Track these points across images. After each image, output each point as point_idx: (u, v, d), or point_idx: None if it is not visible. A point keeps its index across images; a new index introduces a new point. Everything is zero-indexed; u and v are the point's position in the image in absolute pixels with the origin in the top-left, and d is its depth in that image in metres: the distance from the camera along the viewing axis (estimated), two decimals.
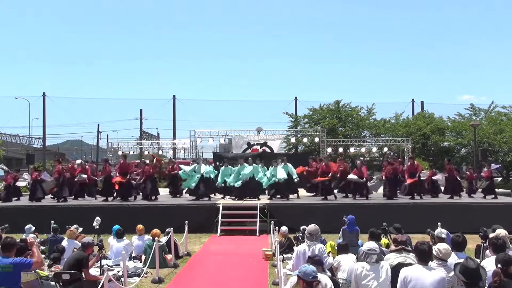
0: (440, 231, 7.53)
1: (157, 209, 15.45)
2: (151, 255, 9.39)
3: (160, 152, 35.13)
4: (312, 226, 7.52)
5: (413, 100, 41.17)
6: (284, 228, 11.02)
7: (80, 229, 10.86)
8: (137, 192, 17.39)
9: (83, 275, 7.14)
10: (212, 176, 17.33)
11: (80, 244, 9.53)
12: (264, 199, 16.40)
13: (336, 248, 8.36)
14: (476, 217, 14.04)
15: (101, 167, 20.04)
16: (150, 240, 9.92)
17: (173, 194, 18.40)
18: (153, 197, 16.87)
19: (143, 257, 10.15)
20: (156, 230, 10.31)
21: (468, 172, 18.79)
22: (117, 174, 17.01)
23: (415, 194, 16.52)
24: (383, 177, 17.32)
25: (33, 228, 11.33)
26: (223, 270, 10.10)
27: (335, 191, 17.10)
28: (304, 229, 8.95)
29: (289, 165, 16.88)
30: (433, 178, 17.94)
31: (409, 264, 5.58)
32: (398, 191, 16.76)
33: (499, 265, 4.62)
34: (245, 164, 16.82)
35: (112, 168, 17.85)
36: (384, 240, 8.65)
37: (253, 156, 19.00)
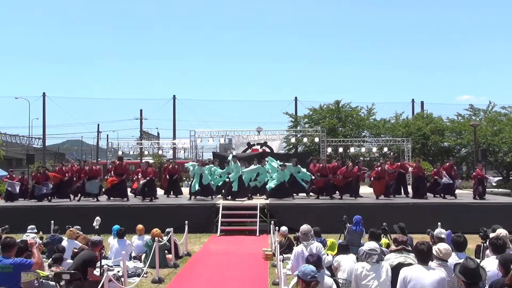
0: (440, 231, 7.54)
1: (157, 209, 15.44)
2: (151, 254, 9.39)
3: (160, 152, 35.13)
4: (304, 226, 7.54)
5: (413, 100, 41.22)
6: (284, 228, 11.02)
7: (80, 233, 10.83)
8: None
9: (88, 273, 7.15)
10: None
11: (80, 244, 9.58)
12: (264, 199, 16.43)
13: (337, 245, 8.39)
14: (476, 217, 14.03)
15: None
16: (150, 240, 9.91)
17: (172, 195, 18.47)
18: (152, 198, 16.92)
19: (143, 257, 10.15)
20: (156, 230, 10.30)
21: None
22: (112, 175, 17.27)
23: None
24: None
25: (35, 229, 11.32)
26: (223, 270, 10.09)
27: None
28: None
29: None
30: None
31: (409, 264, 5.59)
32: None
33: None
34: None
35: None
36: (384, 240, 8.65)
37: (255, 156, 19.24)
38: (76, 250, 9.27)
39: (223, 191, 16.88)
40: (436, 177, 17.11)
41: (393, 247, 6.72)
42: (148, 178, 17.01)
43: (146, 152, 34.64)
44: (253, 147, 25.96)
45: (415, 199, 16.26)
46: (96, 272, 7.91)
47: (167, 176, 18.56)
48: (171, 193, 18.56)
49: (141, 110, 48.09)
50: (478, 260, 5.53)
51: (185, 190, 19.39)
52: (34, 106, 66.47)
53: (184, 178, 28.50)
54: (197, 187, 16.65)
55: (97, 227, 12.08)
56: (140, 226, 10.98)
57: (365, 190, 18.54)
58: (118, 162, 17.87)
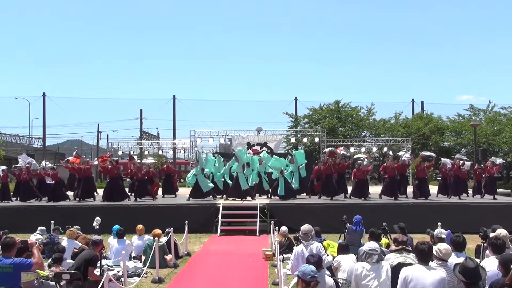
0: (440, 231, 7.55)
1: (157, 209, 15.45)
2: (151, 255, 9.39)
3: (160, 152, 35.11)
4: (305, 226, 7.54)
5: (413, 100, 41.24)
6: (284, 228, 11.02)
7: (80, 233, 10.83)
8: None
9: (88, 272, 7.15)
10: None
11: (80, 244, 9.58)
12: (264, 199, 16.43)
13: (333, 245, 8.39)
14: (476, 217, 14.04)
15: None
16: (151, 240, 9.91)
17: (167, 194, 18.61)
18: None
19: (143, 257, 10.15)
20: (157, 230, 10.29)
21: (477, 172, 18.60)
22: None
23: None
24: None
25: (45, 232, 11.31)
26: (223, 270, 10.09)
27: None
28: None
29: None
30: None
31: (409, 264, 5.59)
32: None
33: None
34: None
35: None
36: (384, 240, 8.66)
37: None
38: (76, 250, 9.27)
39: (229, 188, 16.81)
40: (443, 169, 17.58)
41: (393, 247, 6.71)
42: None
43: (146, 152, 34.66)
44: (253, 147, 25.99)
45: (415, 199, 16.24)
46: (96, 272, 7.92)
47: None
48: (168, 193, 18.64)
49: (141, 110, 48.15)
50: (478, 260, 5.54)
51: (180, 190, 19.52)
52: (34, 106, 66.52)
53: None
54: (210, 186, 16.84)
55: (97, 227, 12.08)
56: (140, 226, 10.98)
57: (371, 189, 18.31)
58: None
